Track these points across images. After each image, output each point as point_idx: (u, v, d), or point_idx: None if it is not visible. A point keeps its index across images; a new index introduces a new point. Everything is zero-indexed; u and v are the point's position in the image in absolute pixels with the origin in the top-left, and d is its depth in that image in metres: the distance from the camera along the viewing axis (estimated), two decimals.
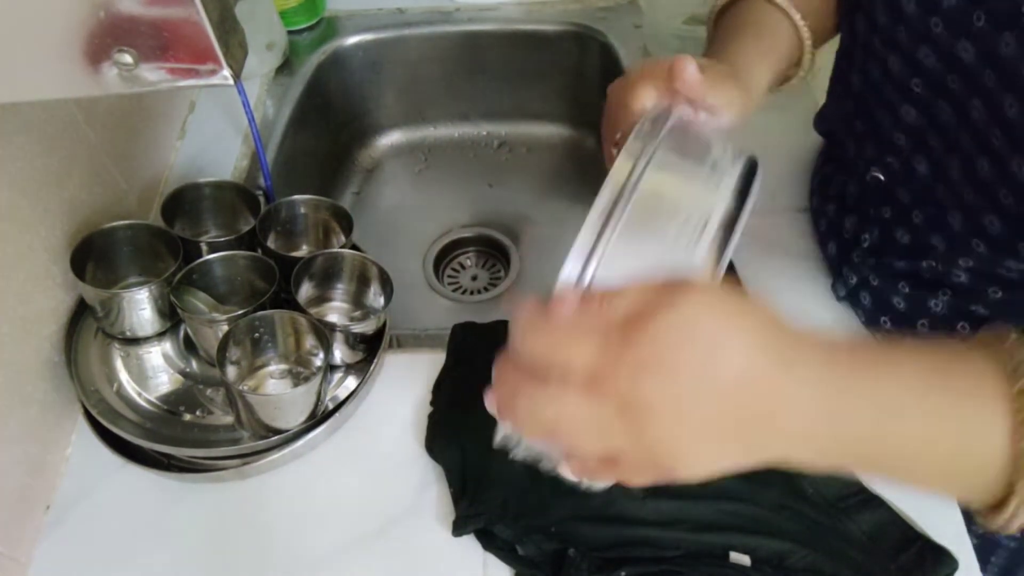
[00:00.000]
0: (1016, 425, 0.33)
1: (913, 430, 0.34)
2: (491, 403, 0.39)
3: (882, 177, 0.59)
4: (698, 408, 0.32)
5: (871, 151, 0.61)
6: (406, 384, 0.66)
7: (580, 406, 0.33)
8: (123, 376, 0.64)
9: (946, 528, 0.57)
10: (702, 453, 0.34)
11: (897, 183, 0.59)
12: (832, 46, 0.66)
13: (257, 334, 0.62)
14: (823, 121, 0.72)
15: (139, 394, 0.63)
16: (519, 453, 0.42)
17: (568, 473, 0.38)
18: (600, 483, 0.42)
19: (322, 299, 0.69)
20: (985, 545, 0.67)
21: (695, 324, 0.32)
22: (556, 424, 0.34)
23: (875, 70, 0.56)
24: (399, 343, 0.71)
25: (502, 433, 0.41)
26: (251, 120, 0.68)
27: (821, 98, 0.73)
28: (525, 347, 0.35)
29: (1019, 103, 0.45)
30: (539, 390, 0.34)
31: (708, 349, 0.32)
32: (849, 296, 0.67)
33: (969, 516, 0.60)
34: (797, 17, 0.58)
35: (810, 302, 0.69)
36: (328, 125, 1.01)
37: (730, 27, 0.59)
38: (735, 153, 0.40)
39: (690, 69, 0.45)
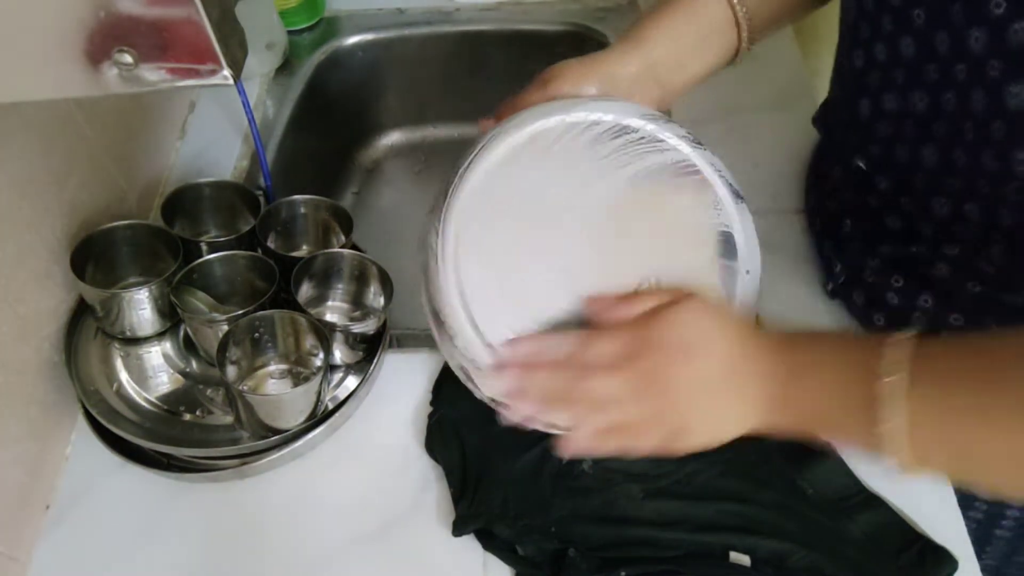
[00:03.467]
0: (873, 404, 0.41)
1: (818, 384, 0.44)
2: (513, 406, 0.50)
3: (863, 166, 0.59)
4: (702, 381, 0.45)
5: (854, 139, 0.61)
6: (406, 384, 0.66)
7: (609, 380, 0.45)
8: (123, 376, 0.64)
9: (946, 528, 0.57)
10: (706, 420, 0.46)
11: (878, 171, 0.58)
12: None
13: (257, 334, 0.62)
14: (821, 115, 0.72)
15: (139, 394, 0.63)
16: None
17: (570, 443, 0.48)
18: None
19: (322, 299, 0.69)
20: (980, 538, 0.67)
21: (698, 319, 0.45)
22: (584, 398, 0.46)
23: (860, 58, 0.56)
24: (399, 343, 0.71)
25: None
26: (251, 120, 0.68)
27: (820, 98, 0.73)
28: (554, 344, 0.48)
29: (986, 98, 0.46)
30: (575, 371, 0.46)
31: (708, 337, 0.45)
32: (842, 293, 0.67)
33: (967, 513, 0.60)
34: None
35: (807, 302, 0.69)
36: (328, 125, 1.01)
37: (660, 3, 0.58)
38: None
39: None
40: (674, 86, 0.58)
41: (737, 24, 0.58)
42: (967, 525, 0.57)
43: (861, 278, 0.64)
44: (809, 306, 0.69)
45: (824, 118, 0.71)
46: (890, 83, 0.53)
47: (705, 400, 0.45)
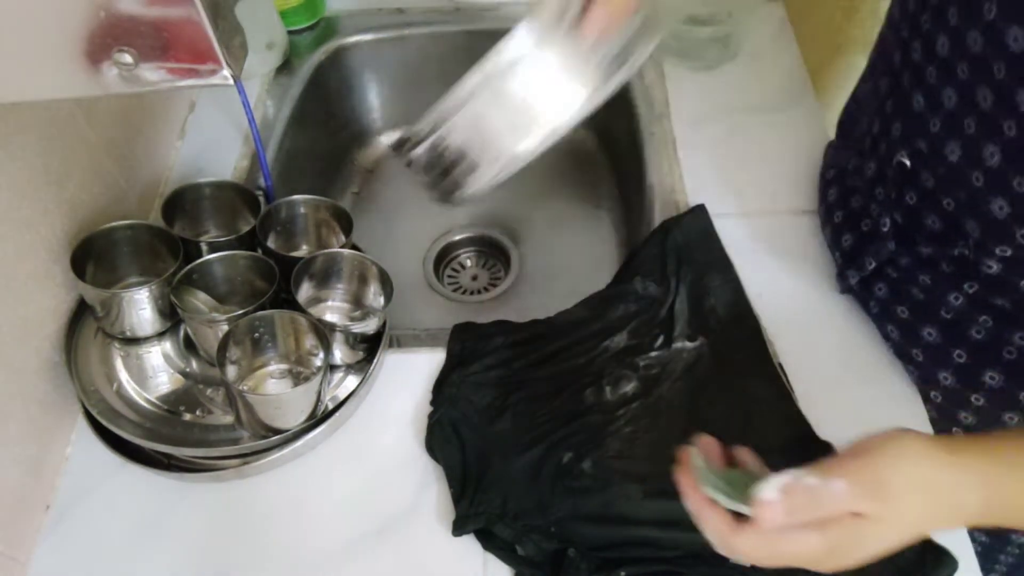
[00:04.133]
0: None
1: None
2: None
3: (908, 162, 0.58)
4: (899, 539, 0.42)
5: (897, 133, 0.59)
6: (406, 384, 0.66)
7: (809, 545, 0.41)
8: (123, 376, 0.64)
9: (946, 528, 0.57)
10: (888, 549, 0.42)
11: (923, 167, 0.57)
12: (846, 46, 0.65)
13: (257, 334, 0.62)
14: (851, 106, 0.71)
15: (139, 394, 0.63)
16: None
17: None
18: None
19: (322, 299, 0.69)
20: (988, 553, 0.67)
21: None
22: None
23: (919, 50, 0.55)
24: (399, 343, 0.71)
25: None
26: (251, 120, 0.68)
27: (823, 102, 0.73)
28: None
29: None
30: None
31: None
32: (861, 285, 0.65)
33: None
34: None
35: (810, 301, 0.69)
36: (328, 125, 1.01)
37: None
38: None
39: None
40: None
41: None
42: (973, 538, 0.57)
43: (885, 273, 0.63)
44: (812, 305, 0.69)
45: (853, 113, 0.70)
46: (952, 77, 0.52)
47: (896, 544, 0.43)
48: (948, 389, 0.61)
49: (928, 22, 0.53)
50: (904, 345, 0.64)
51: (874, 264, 0.63)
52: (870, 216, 0.64)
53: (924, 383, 0.63)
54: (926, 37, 0.54)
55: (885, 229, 0.62)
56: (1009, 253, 0.53)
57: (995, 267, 0.54)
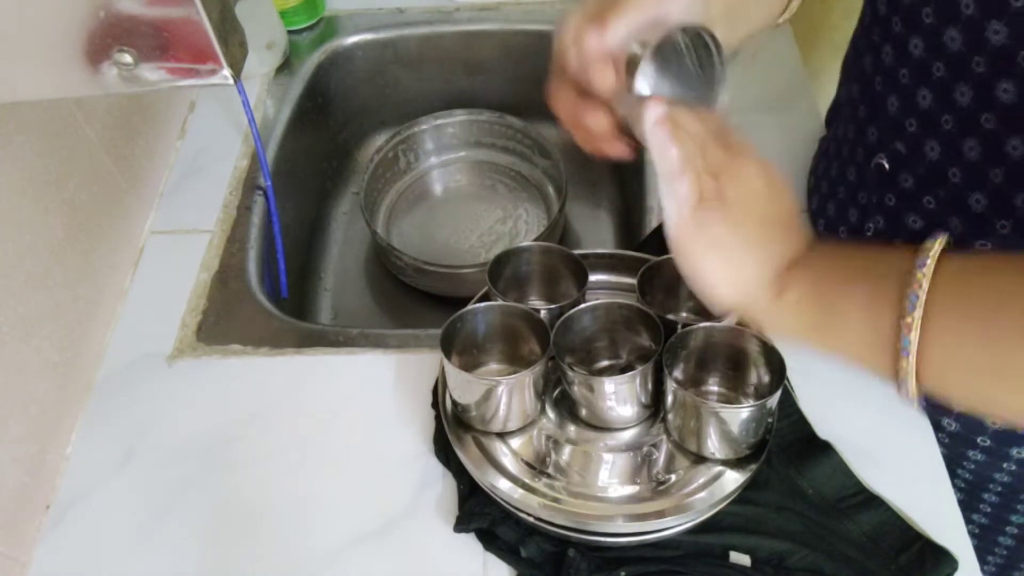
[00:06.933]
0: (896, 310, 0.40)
1: (850, 296, 0.43)
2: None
3: (887, 165, 0.58)
4: (755, 213, 0.45)
5: (874, 138, 0.60)
6: (406, 384, 0.66)
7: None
8: None
9: (946, 528, 0.57)
10: (737, 252, 0.44)
11: (902, 169, 0.57)
12: (842, 39, 0.65)
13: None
14: (832, 111, 0.71)
15: None
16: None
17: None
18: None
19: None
20: (983, 544, 0.67)
21: (770, 173, 0.47)
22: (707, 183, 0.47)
23: (890, 54, 0.55)
24: (399, 343, 0.71)
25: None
26: (251, 120, 0.68)
27: (820, 98, 0.73)
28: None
29: None
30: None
31: (778, 190, 0.46)
32: None
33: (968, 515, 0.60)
34: None
35: None
36: (328, 125, 1.01)
37: None
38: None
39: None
40: (736, 37, 0.54)
41: None
42: (969, 532, 0.57)
43: None
44: None
45: (834, 114, 0.70)
46: (927, 77, 0.52)
47: (736, 248, 0.44)
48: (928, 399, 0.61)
49: (899, 24, 0.54)
50: None
51: None
52: (847, 223, 0.65)
53: None
54: (897, 40, 0.54)
55: (869, 234, 0.62)
56: (989, 246, 0.54)
57: None
